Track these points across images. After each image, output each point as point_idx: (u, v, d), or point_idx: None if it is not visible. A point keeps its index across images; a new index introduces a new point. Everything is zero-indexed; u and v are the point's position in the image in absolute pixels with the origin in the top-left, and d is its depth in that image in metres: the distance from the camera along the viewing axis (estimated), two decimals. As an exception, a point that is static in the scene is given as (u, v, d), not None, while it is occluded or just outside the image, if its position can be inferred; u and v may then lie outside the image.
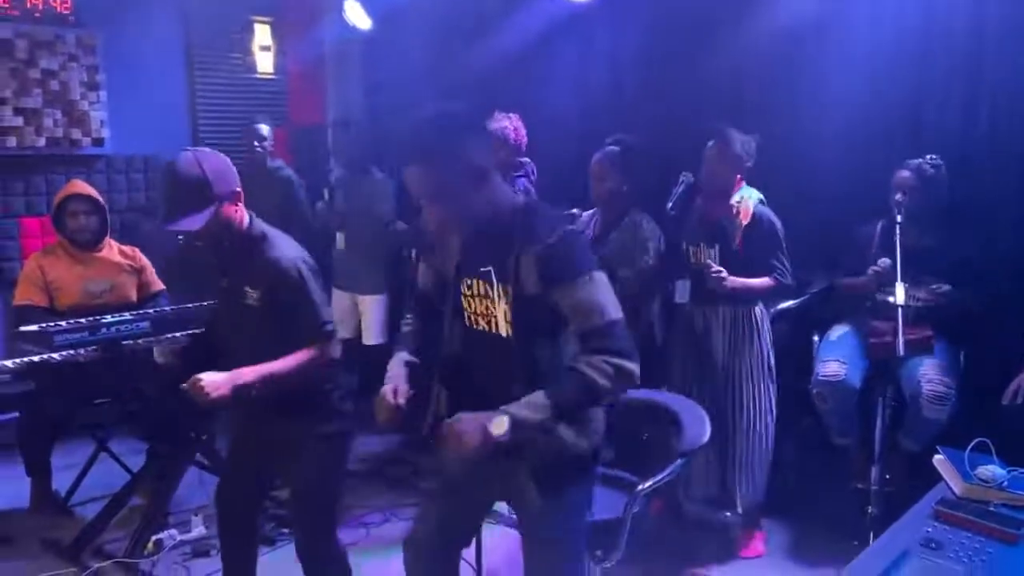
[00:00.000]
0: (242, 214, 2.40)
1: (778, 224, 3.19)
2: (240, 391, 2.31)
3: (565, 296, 1.81)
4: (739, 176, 3.20)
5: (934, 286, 3.08)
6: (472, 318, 1.97)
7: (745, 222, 3.14)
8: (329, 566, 2.54)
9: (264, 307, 2.36)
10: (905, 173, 3.18)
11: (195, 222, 2.27)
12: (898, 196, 3.14)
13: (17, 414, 3.58)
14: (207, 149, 2.40)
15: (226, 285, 2.45)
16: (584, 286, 1.80)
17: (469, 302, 1.96)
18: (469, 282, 1.95)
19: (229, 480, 2.64)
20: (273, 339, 2.37)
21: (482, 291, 1.92)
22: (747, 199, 3.17)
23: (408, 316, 2.19)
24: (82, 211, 3.71)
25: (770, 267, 3.17)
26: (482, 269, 1.91)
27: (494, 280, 1.89)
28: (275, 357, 2.36)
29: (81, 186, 3.79)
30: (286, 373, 2.36)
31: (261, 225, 2.45)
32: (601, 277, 1.85)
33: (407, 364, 2.06)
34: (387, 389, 1.98)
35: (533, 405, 1.77)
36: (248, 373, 2.33)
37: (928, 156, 3.19)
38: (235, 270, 2.43)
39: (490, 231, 1.89)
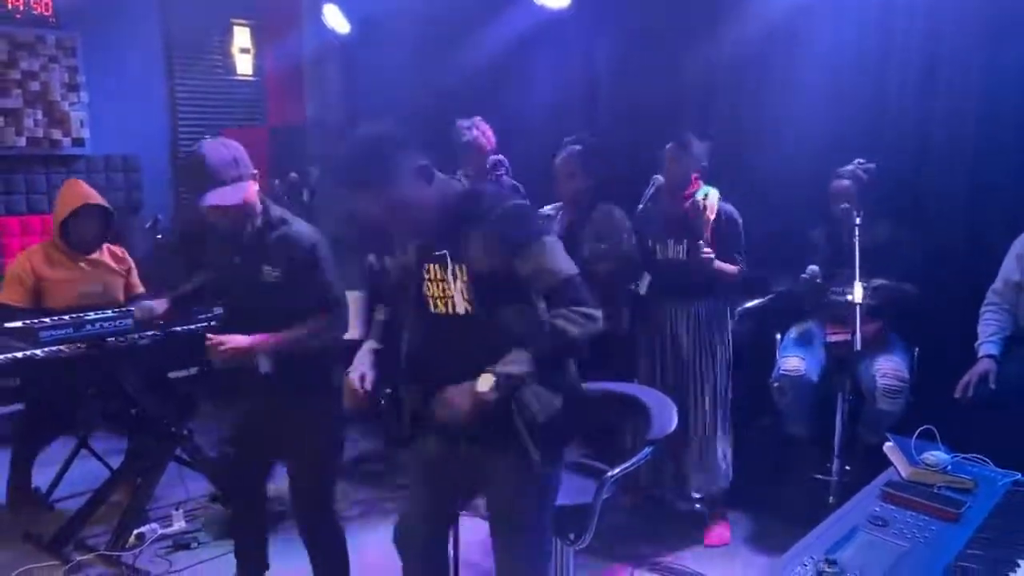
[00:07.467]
0: (261, 196, 2.49)
1: (739, 218, 3.34)
2: (257, 350, 2.44)
3: (525, 261, 1.94)
4: (695, 175, 3.33)
5: (871, 282, 3.14)
6: (433, 302, 2.07)
7: (712, 217, 3.27)
8: (331, 539, 2.63)
9: (283, 282, 2.43)
10: (844, 182, 3.33)
11: (232, 196, 2.31)
12: (844, 205, 3.26)
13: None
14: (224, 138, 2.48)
15: (239, 262, 2.49)
16: (540, 249, 1.96)
17: (429, 287, 2.07)
18: (426, 267, 2.06)
19: (238, 466, 2.71)
20: (288, 312, 2.46)
21: (439, 275, 2.04)
22: (711, 195, 3.31)
23: (379, 306, 2.31)
24: (93, 219, 3.64)
25: (733, 259, 3.31)
26: (436, 253, 2.03)
27: (448, 261, 2.00)
28: (287, 328, 2.46)
29: (94, 196, 3.65)
30: (297, 340, 2.46)
31: (278, 209, 2.53)
32: (552, 240, 2.01)
33: (373, 351, 2.21)
34: (354, 376, 2.12)
35: (513, 361, 1.90)
36: (267, 339, 2.44)
37: (857, 160, 3.34)
38: (251, 249, 2.48)
39: (441, 218, 2.00)
